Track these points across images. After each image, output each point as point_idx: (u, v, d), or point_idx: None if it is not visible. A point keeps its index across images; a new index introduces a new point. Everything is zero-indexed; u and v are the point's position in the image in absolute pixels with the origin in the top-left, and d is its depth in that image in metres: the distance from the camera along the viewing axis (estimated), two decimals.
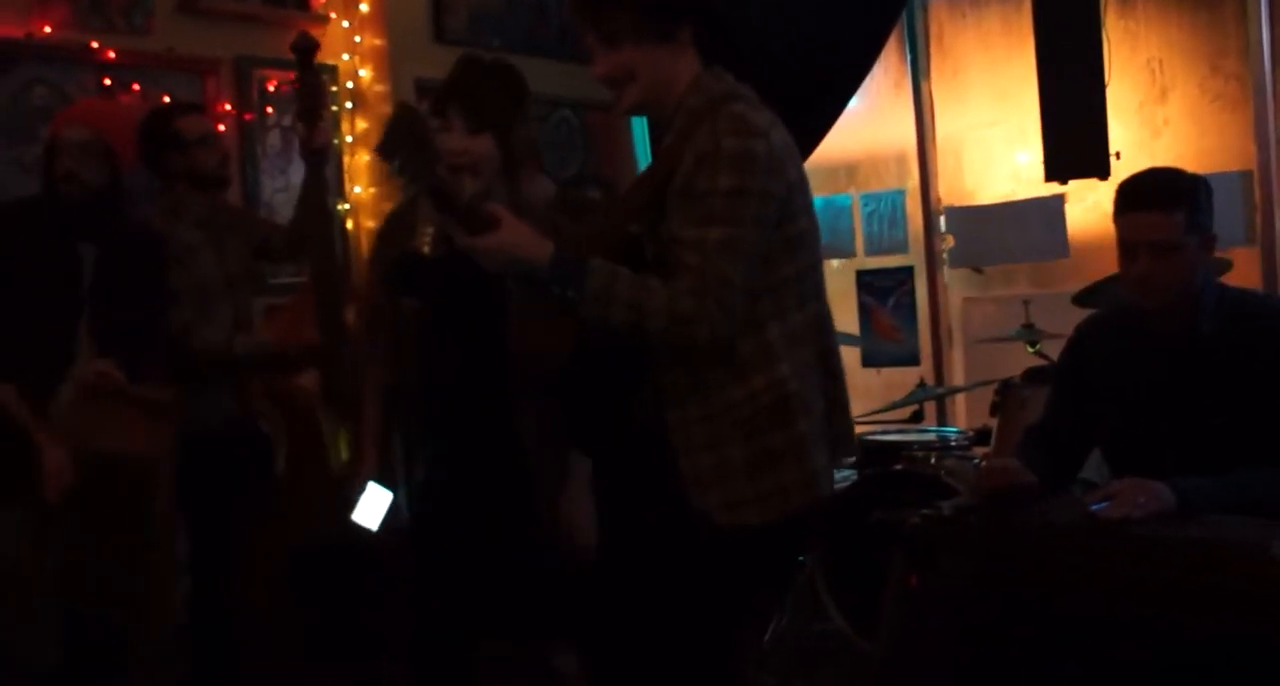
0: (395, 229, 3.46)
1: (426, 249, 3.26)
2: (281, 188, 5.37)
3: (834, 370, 2.72)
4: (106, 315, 3.87)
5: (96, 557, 3.83)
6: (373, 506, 3.45)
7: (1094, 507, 2.86)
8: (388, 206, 5.53)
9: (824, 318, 2.72)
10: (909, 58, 6.98)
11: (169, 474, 3.98)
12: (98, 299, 3.88)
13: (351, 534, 4.10)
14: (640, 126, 6.50)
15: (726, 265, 2.47)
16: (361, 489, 3.46)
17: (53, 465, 3.68)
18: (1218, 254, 3.36)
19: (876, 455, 5.14)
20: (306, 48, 4.12)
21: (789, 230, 2.58)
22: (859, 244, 7.18)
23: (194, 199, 4.28)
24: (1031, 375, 4.87)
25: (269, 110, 5.36)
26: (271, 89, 5.36)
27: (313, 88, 4.19)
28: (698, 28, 2.64)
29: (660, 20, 2.60)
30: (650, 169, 2.74)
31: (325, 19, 5.55)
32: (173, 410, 3.99)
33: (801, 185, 2.64)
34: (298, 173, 5.34)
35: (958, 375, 6.88)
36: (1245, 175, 5.95)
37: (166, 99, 4.96)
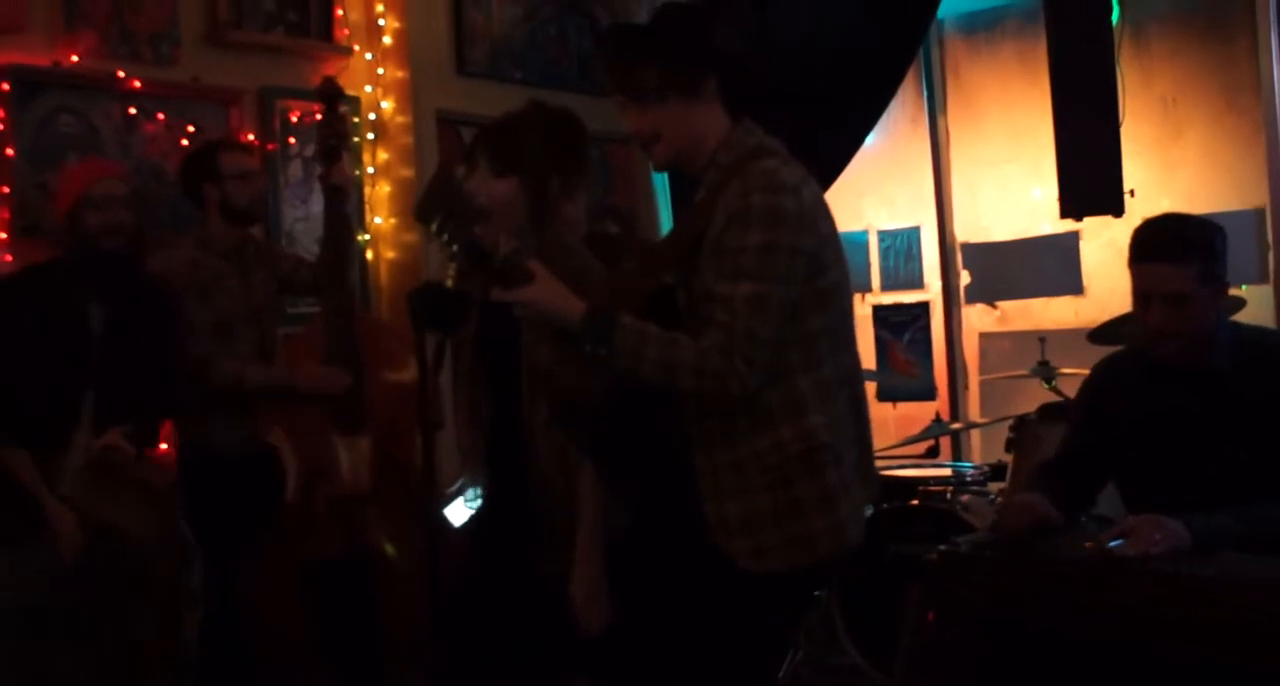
0: None
1: (450, 282, 3.28)
2: (302, 217, 5.40)
3: (863, 416, 2.76)
4: (114, 383, 3.89)
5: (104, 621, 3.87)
6: (463, 509, 3.46)
7: (1111, 544, 2.88)
8: (408, 237, 5.58)
9: (854, 366, 2.75)
10: (925, 93, 7.02)
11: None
12: (106, 365, 3.90)
13: (362, 559, 4.17)
14: None
15: (755, 321, 2.51)
16: (463, 489, 3.48)
17: (64, 529, 3.71)
18: (1232, 291, 3.39)
19: (893, 490, 5.16)
20: (332, 93, 4.37)
21: (819, 283, 2.61)
22: (875, 279, 7.21)
23: (225, 231, 4.38)
24: (1046, 411, 4.88)
25: (291, 141, 5.39)
26: (294, 120, 5.39)
27: (335, 130, 4.33)
28: (723, 80, 2.68)
29: (685, 76, 2.65)
30: (683, 223, 2.77)
31: (349, 51, 5.59)
32: (172, 496, 4.04)
33: (832, 238, 2.67)
34: (318, 203, 5.38)
35: (973, 410, 6.90)
36: (1258, 213, 5.99)
37: (191, 129, 5.01)
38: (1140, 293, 3.17)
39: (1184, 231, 3.18)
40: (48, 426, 3.81)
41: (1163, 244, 3.14)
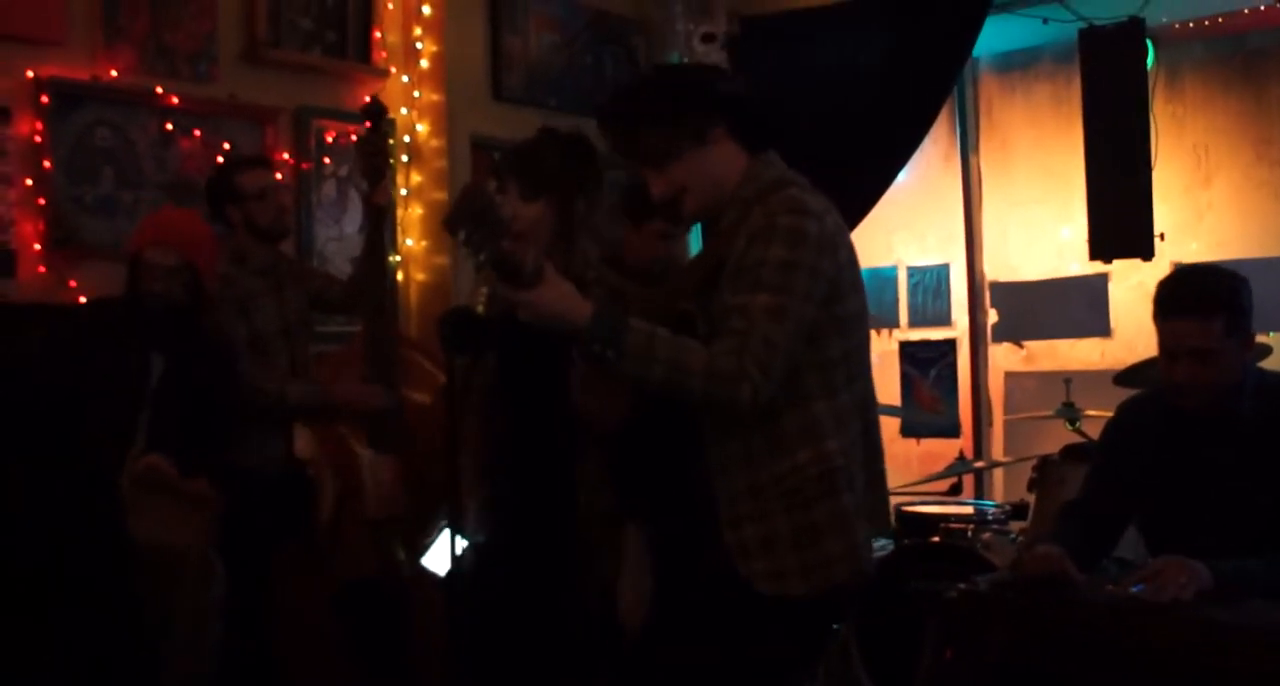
0: None
1: (481, 307, 3.30)
2: (335, 237, 5.43)
3: (875, 445, 2.76)
4: (165, 422, 3.96)
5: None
6: (443, 553, 3.46)
7: (1135, 588, 2.86)
8: (438, 259, 5.61)
9: (869, 395, 2.76)
10: (958, 131, 7.04)
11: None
12: (160, 404, 3.97)
13: (393, 579, 4.18)
14: None
15: (771, 329, 2.50)
16: (436, 534, 3.48)
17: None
18: (1260, 339, 3.38)
19: (914, 526, 5.16)
20: (377, 111, 4.39)
21: (838, 310, 2.62)
22: (903, 315, 7.21)
23: (256, 248, 4.44)
24: (1070, 452, 4.87)
25: (326, 160, 5.42)
26: (330, 139, 5.42)
27: (379, 149, 4.37)
28: (730, 120, 2.70)
29: (690, 128, 2.68)
30: (704, 252, 2.80)
31: (385, 73, 5.63)
32: (212, 500, 4.06)
33: (851, 265, 2.68)
34: (351, 223, 5.44)
35: (997, 448, 6.89)
36: None
37: (227, 146, 5.05)
38: (1166, 349, 3.15)
39: (1207, 286, 3.15)
40: (102, 453, 3.87)
41: (1186, 299, 3.12)
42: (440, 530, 3.50)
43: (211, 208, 4.50)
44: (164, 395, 3.99)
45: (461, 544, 3.42)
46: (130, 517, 3.83)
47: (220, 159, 5.00)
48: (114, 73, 4.74)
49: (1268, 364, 4.33)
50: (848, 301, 2.65)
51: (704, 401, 2.56)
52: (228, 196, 4.43)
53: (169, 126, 4.92)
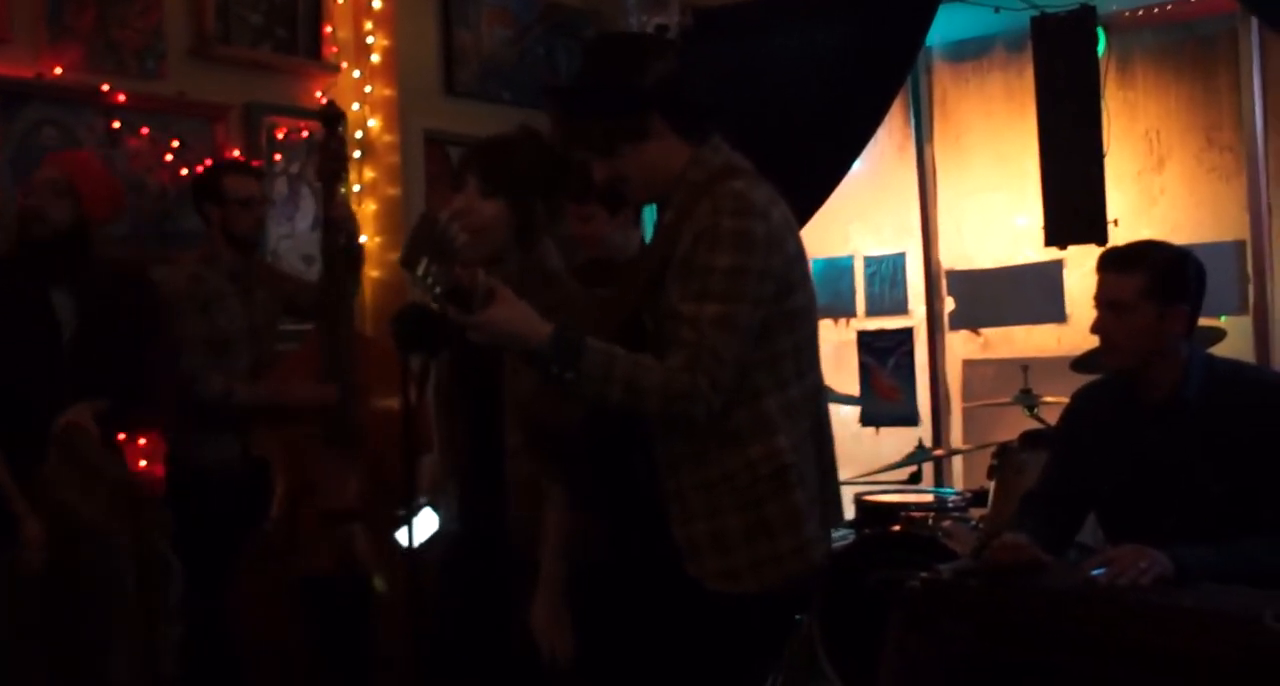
0: None
1: (434, 305, 3.27)
2: (287, 234, 5.38)
3: (826, 440, 2.76)
4: (91, 364, 3.92)
5: (69, 618, 3.83)
6: (421, 528, 3.42)
7: (1093, 573, 2.87)
8: (392, 256, 5.57)
9: (819, 389, 2.76)
10: (913, 121, 7.04)
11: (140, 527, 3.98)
12: (81, 348, 3.94)
13: (351, 576, 4.15)
14: None
15: (720, 342, 2.50)
16: (417, 510, 3.44)
17: (31, 538, 3.69)
18: (1211, 322, 3.42)
19: (874, 515, 5.15)
20: (334, 116, 4.43)
21: (787, 304, 2.61)
22: (860, 304, 7.22)
23: (228, 252, 4.45)
24: (1028, 439, 4.89)
25: (277, 157, 5.37)
26: (280, 136, 5.37)
27: (338, 155, 4.35)
28: (666, 114, 2.68)
29: (625, 121, 2.66)
30: (652, 245, 2.79)
31: (336, 68, 5.59)
32: (123, 479, 4.01)
33: (799, 258, 2.67)
34: (304, 220, 5.40)
35: (956, 436, 6.90)
36: (1238, 244, 6.03)
37: (176, 144, 4.99)
38: (1095, 303, 3.26)
39: (1140, 248, 3.29)
40: (24, 419, 3.80)
41: (1116, 256, 3.26)
42: (418, 508, 3.45)
43: (195, 204, 4.52)
44: (82, 340, 3.95)
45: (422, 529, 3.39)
46: (55, 488, 3.78)
47: (169, 157, 4.96)
48: (59, 70, 4.68)
49: (1221, 348, 4.37)
50: (796, 295, 2.64)
51: (659, 418, 2.58)
52: (210, 196, 4.44)
53: (116, 124, 4.85)
